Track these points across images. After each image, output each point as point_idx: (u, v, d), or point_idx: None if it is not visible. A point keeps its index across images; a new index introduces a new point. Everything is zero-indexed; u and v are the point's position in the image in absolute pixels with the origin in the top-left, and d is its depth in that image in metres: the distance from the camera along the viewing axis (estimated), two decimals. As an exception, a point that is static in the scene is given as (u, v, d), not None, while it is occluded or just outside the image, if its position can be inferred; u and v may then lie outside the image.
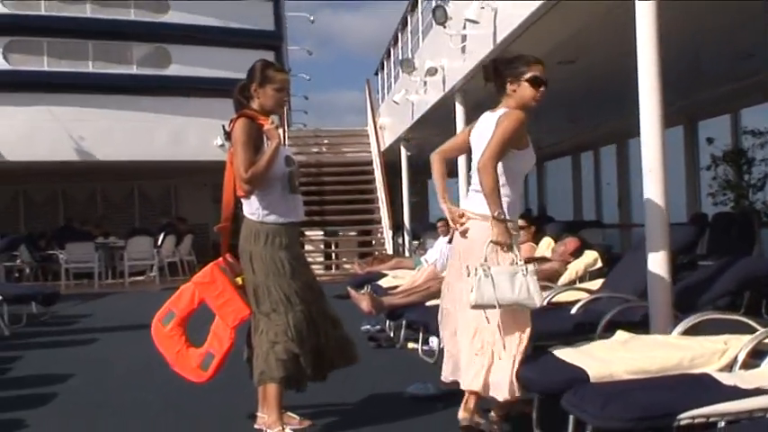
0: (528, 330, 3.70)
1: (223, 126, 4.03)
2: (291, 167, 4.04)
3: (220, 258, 4.10)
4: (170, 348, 4.12)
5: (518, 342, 3.66)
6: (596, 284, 5.80)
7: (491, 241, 3.69)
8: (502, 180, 3.76)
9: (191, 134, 15.83)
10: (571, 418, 3.33)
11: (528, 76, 3.82)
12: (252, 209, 3.96)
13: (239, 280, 4.02)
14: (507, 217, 3.73)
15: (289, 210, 3.98)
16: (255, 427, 3.95)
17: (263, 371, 3.85)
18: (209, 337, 4.06)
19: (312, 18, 20.86)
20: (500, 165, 3.75)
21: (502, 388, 3.63)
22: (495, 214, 3.67)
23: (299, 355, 3.86)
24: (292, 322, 3.86)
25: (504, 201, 3.73)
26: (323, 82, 65.66)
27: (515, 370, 3.61)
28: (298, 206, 4.06)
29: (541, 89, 3.82)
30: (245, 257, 3.96)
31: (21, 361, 6.53)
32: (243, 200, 3.98)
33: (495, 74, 3.91)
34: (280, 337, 3.84)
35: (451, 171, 9.92)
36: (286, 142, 16.11)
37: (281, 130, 3.91)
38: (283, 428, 3.82)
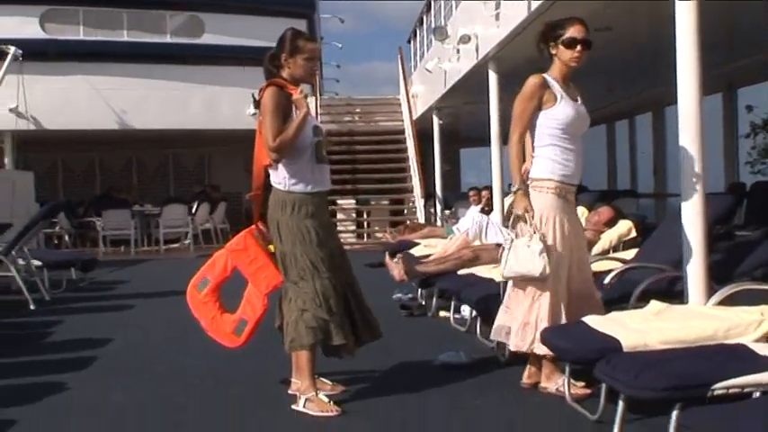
0: (546, 297, 3.89)
1: (253, 94, 4.03)
2: (319, 137, 4.04)
3: (253, 226, 4.15)
4: (205, 314, 4.20)
5: (530, 304, 3.92)
6: (630, 254, 5.76)
7: (515, 215, 3.97)
8: (545, 141, 3.95)
9: (224, 103, 15.90)
10: (603, 387, 3.34)
11: (564, 38, 3.95)
12: (279, 178, 3.97)
13: (272, 247, 4.06)
14: (554, 177, 3.92)
15: (315, 179, 3.98)
16: (289, 392, 4.02)
17: (294, 338, 3.90)
18: (242, 304, 4.12)
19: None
20: (538, 128, 3.97)
21: (511, 339, 4.00)
22: (513, 188, 3.95)
23: (329, 322, 3.89)
24: (320, 290, 3.89)
25: (548, 162, 3.94)
26: (359, 53, 65.59)
27: (534, 330, 3.87)
28: (325, 176, 4.06)
29: (577, 49, 3.92)
30: (273, 226, 3.99)
31: (61, 325, 6.69)
32: (270, 169, 3.99)
33: (544, 40, 4.04)
34: (308, 305, 3.88)
35: (485, 139, 9.92)
36: (318, 111, 16.13)
37: (310, 100, 3.92)
38: (316, 393, 3.88)
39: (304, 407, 3.85)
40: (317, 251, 3.93)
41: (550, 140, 3.96)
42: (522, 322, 3.96)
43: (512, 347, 4.08)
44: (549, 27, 4.05)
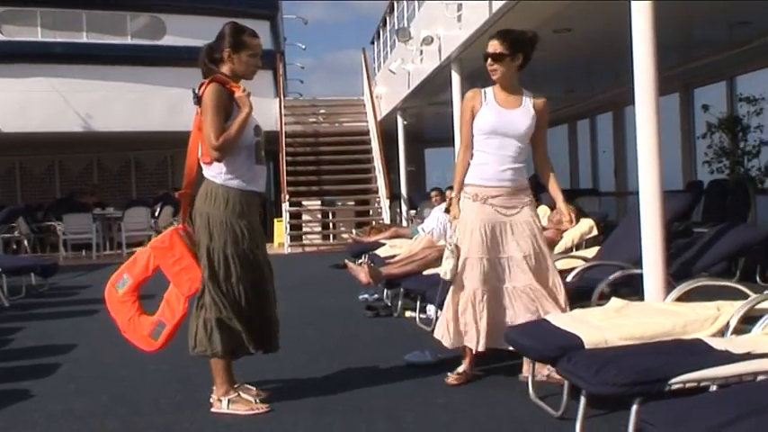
0: (459, 297, 4.16)
1: (193, 89, 3.89)
2: (259, 138, 3.97)
3: (180, 225, 4.03)
4: (122, 314, 4.03)
5: (449, 302, 4.20)
6: (592, 252, 5.86)
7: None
8: (475, 148, 4.20)
9: (186, 105, 15.67)
10: (566, 384, 3.40)
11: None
12: (214, 172, 3.87)
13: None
14: (473, 182, 4.16)
15: (251, 179, 3.91)
16: (213, 410, 3.90)
17: (206, 347, 3.82)
18: (161, 306, 3.98)
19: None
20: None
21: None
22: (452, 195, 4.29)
23: (242, 332, 3.84)
24: (243, 296, 3.84)
25: (472, 167, 4.19)
26: (339, 41, 66.67)
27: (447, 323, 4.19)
28: (261, 177, 3.98)
29: (488, 61, 4.17)
30: (203, 220, 3.85)
31: (22, 332, 6.59)
32: (204, 164, 3.88)
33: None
34: (226, 312, 3.81)
35: (449, 139, 9.98)
36: (283, 112, 16.08)
37: (252, 98, 3.86)
38: (239, 394, 3.90)
39: (229, 408, 3.85)
40: (246, 253, 3.86)
41: (477, 146, 4.19)
42: (444, 319, 4.22)
43: (447, 346, 4.27)
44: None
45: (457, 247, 4.15)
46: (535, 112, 4.18)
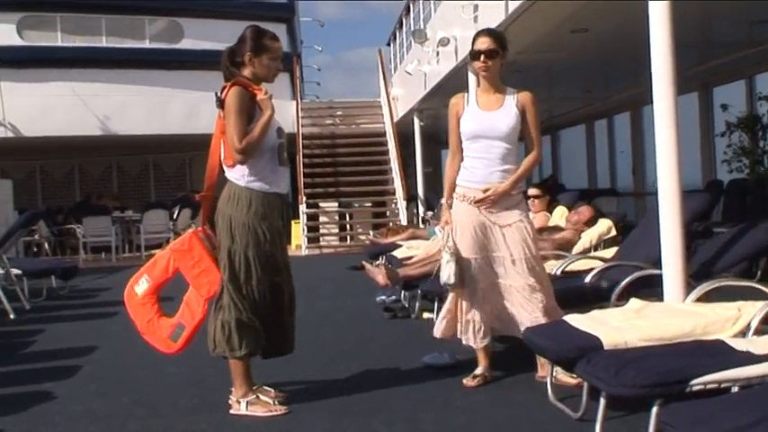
0: (465, 296, 4.21)
1: (216, 93, 3.92)
2: (282, 139, 3.99)
3: (200, 227, 4.04)
4: (141, 316, 4.04)
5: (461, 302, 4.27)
6: (610, 253, 5.82)
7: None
8: (464, 152, 4.22)
9: (204, 108, 15.79)
10: (585, 385, 3.38)
11: (471, 50, 4.22)
12: (237, 175, 3.89)
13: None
14: (462, 184, 4.19)
15: (274, 180, 3.93)
16: (231, 412, 3.92)
17: (224, 348, 3.85)
18: (180, 308, 3.99)
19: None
20: None
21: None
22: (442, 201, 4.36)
23: (260, 331, 3.88)
24: (260, 298, 3.86)
25: (461, 170, 4.22)
26: (354, 39, 66.75)
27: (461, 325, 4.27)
28: (284, 179, 4.01)
29: (481, 58, 4.13)
30: (225, 222, 3.88)
31: (43, 334, 6.65)
32: (227, 167, 3.91)
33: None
34: (246, 314, 3.83)
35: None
36: (299, 114, 16.12)
37: (274, 101, 3.89)
38: (257, 396, 3.91)
39: (247, 410, 3.86)
40: (267, 255, 3.88)
41: (465, 150, 4.21)
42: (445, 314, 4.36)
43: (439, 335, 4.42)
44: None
45: (457, 250, 4.15)
46: (520, 107, 4.15)
